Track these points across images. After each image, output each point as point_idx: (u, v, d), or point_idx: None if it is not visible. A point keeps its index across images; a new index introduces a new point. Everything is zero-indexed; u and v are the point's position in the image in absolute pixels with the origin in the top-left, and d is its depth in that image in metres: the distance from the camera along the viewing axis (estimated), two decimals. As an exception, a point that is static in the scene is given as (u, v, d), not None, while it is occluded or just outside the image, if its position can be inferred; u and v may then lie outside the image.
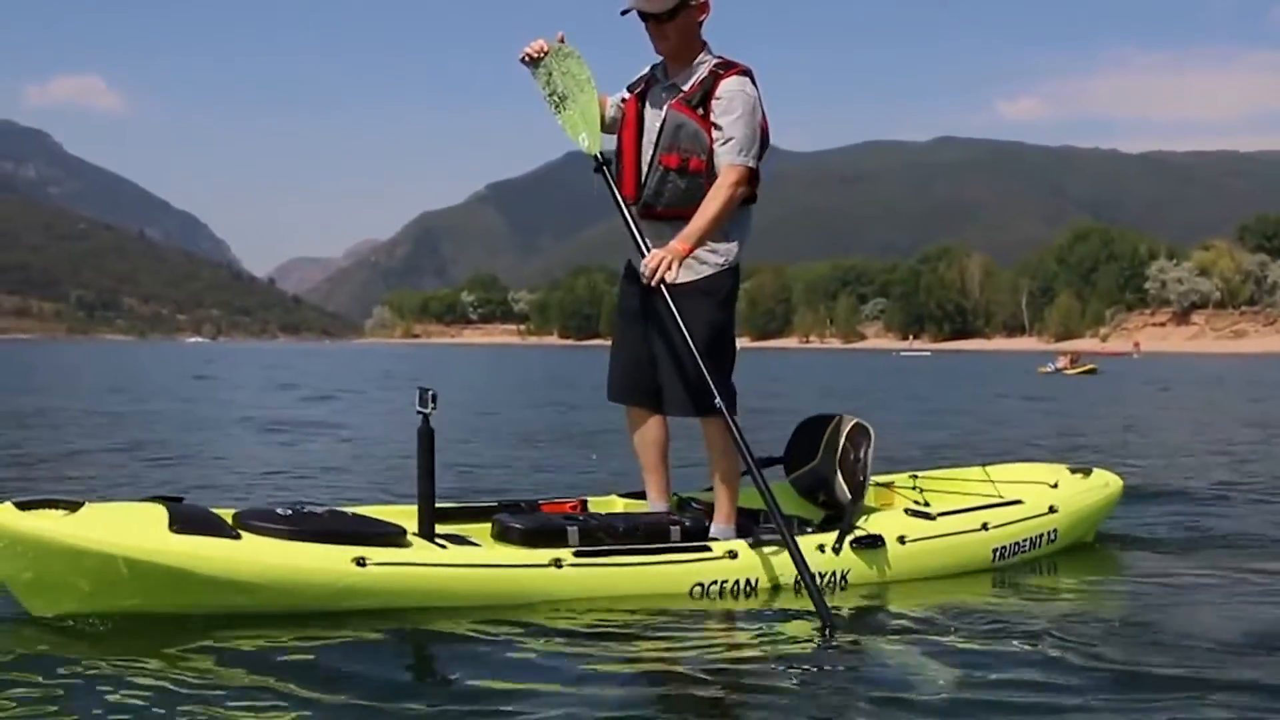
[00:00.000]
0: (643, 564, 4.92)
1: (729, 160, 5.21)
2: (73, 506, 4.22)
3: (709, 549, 5.06)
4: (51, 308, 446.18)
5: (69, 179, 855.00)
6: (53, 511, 4.17)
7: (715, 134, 5.25)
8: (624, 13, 5.33)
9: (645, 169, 5.39)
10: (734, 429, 5.07)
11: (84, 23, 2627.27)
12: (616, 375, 5.66)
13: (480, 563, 4.75)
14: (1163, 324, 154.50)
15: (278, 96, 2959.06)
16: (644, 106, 5.47)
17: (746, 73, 5.35)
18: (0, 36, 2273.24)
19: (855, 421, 5.97)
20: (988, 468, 6.94)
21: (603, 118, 5.56)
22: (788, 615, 4.77)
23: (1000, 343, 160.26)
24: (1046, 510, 6.23)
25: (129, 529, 4.24)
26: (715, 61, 5.36)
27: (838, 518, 5.63)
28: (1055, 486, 6.52)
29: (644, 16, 5.32)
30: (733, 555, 5.04)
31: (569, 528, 5.11)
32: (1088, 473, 6.81)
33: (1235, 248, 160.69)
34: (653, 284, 5.12)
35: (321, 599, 4.44)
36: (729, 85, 5.27)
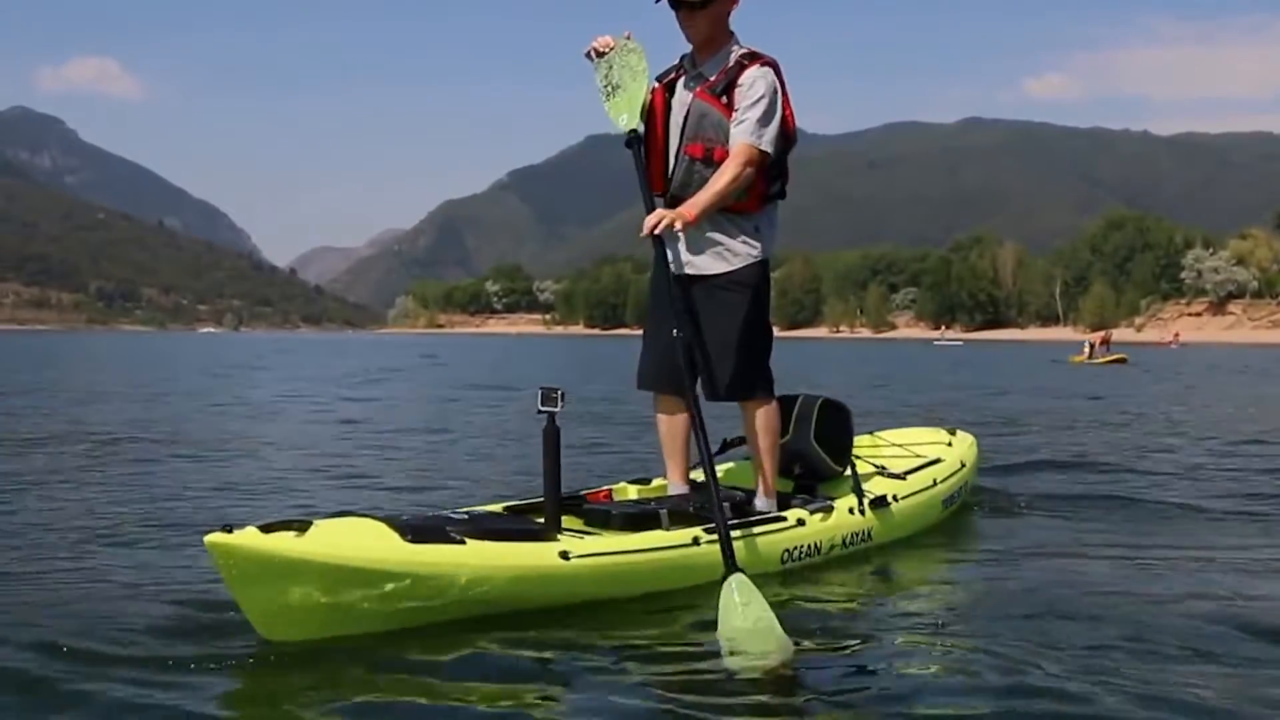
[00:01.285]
0: (747, 537, 5.28)
1: (741, 139, 5.35)
2: (301, 527, 4.16)
3: (785, 519, 5.56)
4: (71, 299, 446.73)
5: (85, 167, 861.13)
6: (286, 533, 4.10)
7: (733, 116, 5.43)
8: (658, 1, 5.52)
9: (672, 159, 5.59)
10: (697, 415, 5.26)
11: (98, 2, 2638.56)
12: (649, 364, 5.88)
13: (656, 546, 4.99)
14: (1199, 314, 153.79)
15: (298, 82, 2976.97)
16: (670, 96, 5.63)
17: (771, 64, 5.52)
18: (10, 16, 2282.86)
19: (823, 399, 6.52)
20: (877, 433, 7.67)
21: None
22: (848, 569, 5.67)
23: (1034, 332, 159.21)
24: (960, 465, 7.19)
25: (371, 543, 4.25)
26: (742, 52, 5.53)
27: (809, 489, 6.28)
28: (950, 445, 7.60)
29: (676, 5, 5.50)
30: (801, 523, 5.59)
31: (660, 511, 5.42)
32: (953, 432, 7.92)
33: (1273, 236, 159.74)
34: (643, 234, 5.31)
35: (536, 595, 4.61)
36: (751, 73, 5.44)
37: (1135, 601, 4.93)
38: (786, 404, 6.36)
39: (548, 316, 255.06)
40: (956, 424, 8.87)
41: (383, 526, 4.29)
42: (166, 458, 10.14)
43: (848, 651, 4.23)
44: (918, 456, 7.08)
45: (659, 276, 5.67)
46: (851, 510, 5.92)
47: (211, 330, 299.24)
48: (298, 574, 4.02)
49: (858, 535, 5.89)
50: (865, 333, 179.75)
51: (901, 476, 6.57)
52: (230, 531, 3.96)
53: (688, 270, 5.66)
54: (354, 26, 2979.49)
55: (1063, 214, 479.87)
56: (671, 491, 5.94)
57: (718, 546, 4.79)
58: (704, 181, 5.43)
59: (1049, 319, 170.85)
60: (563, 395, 5.05)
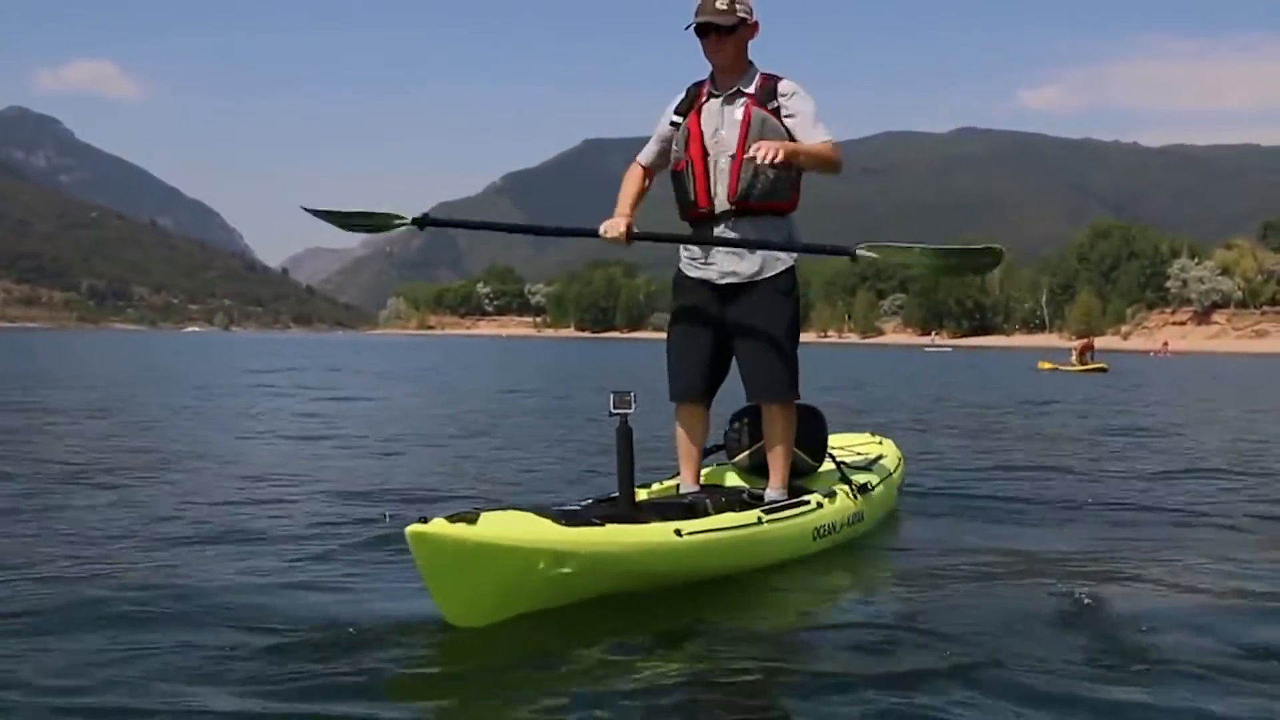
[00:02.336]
0: (788, 518, 5.78)
1: (824, 138, 5.90)
2: (471, 518, 4.36)
3: (809, 503, 6.04)
4: (62, 296, 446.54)
5: (80, 167, 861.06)
6: (462, 523, 4.31)
7: (789, 121, 5.88)
8: (688, 27, 5.87)
9: (725, 172, 5.89)
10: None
11: (96, 6, 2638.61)
12: (681, 377, 6.21)
13: (741, 524, 5.45)
14: (1183, 323, 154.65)
15: (291, 85, 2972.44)
16: (702, 117, 5.98)
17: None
18: (10, 19, 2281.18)
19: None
20: None
21: (645, 190, 6.39)
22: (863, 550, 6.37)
23: (1020, 339, 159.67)
24: (899, 462, 7.95)
25: (539, 529, 4.56)
26: (763, 72, 6.00)
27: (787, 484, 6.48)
28: (882, 444, 8.22)
29: (707, 30, 5.84)
30: (820, 505, 6.08)
31: (706, 501, 5.84)
32: (880, 440, 8.43)
33: (1258, 247, 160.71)
34: (761, 159, 5.60)
35: (660, 570, 5.03)
36: (788, 84, 5.94)
37: (1015, 599, 5.13)
38: (757, 411, 6.63)
39: (538, 319, 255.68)
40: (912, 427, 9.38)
41: (532, 515, 4.62)
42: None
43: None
44: (863, 455, 7.65)
45: (688, 292, 6.19)
46: (848, 495, 6.46)
47: (196, 329, 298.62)
48: (489, 559, 4.32)
49: (856, 516, 6.45)
50: (853, 338, 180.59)
51: (869, 468, 7.24)
52: (426, 522, 4.25)
53: (729, 280, 6.05)
54: (349, 29, 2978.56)
55: (1053, 223, 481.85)
56: (684, 490, 6.27)
57: (780, 524, 5.61)
58: (768, 182, 5.85)
59: (1035, 326, 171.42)
60: (635, 398, 5.30)
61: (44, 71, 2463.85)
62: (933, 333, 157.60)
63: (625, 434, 5.34)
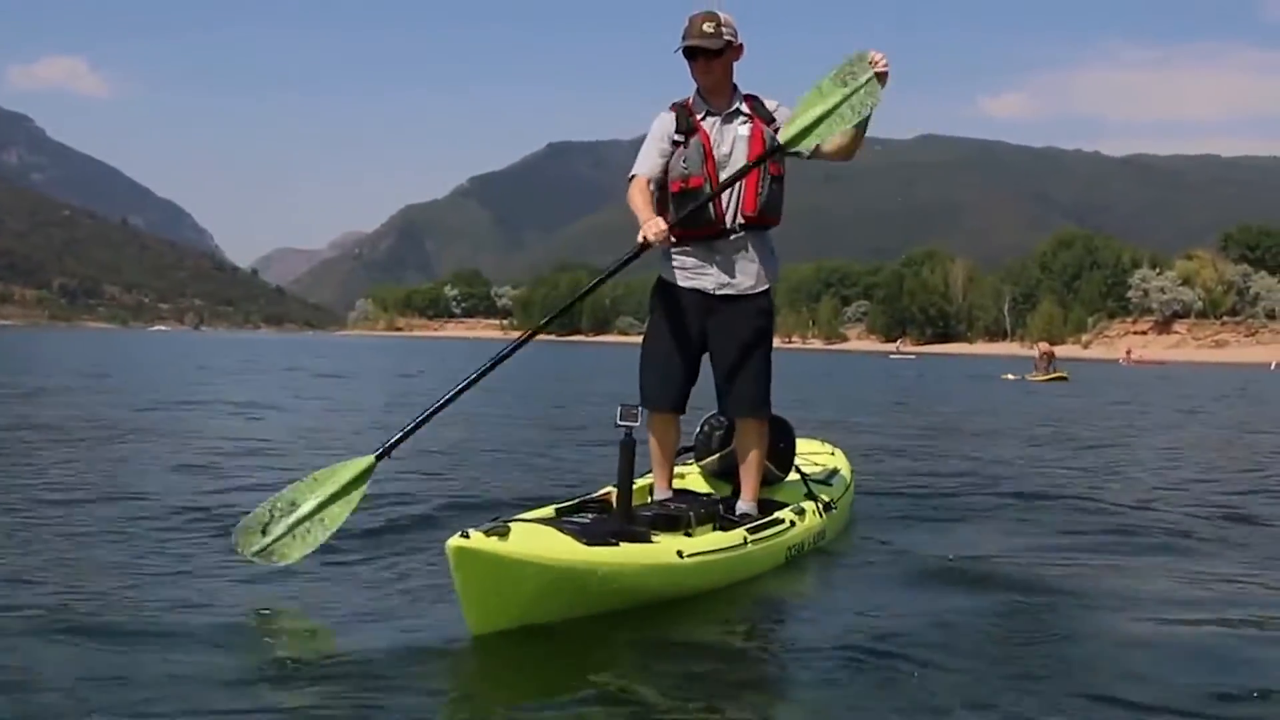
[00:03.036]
0: (768, 538, 5.89)
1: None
2: (503, 532, 4.52)
3: (783, 520, 6.15)
4: (34, 294, 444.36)
5: (52, 165, 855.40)
6: (493, 537, 4.46)
7: (782, 112, 6.23)
8: (678, 50, 6.07)
9: (740, 188, 6.08)
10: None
11: (67, 3, 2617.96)
12: (657, 385, 6.28)
13: (728, 545, 5.60)
14: (1144, 332, 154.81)
15: (262, 86, 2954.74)
16: (711, 137, 6.16)
17: None
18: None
19: None
20: None
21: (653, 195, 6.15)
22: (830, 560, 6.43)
23: (982, 347, 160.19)
24: (851, 469, 8.01)
25: (564, 546, 4.75)
26: (745, 93, 6.26)
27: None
28: (833, 455, 8.24)
29: (695, 53, 6.06)
30: (793, 524, 6.18)
31: (690, 514, 5.93)
32: (823, 443, 8.56)
33: (1218, 258, 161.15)
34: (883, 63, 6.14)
35: (663, 589, 5.19)
36: (774, 103, 6.26)
37: (958, 602, 5.35)
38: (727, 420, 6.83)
39: (505, 322, 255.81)
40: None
41: (554, 531, 4.86)
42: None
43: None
44: (819, 466, 7.75)
45: (669, 302, 6.29)
46: (816, 513, 6.57)
47: (163, 329, 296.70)
48: (525, 575, 4.51)
49: (820, 534, 6.58)
50: (817, 344, 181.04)
51: (829, 482, 7.33)
52: (468, 537, 4.40)
53: (726, 291, 6.21)
54: (320, 33, 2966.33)
55: (1015, 231, 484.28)
56: (658, 497, 6.42)
57: (761, 545, 5.76)
58: (776, 195, 6.16)
59: (997, 334, 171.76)
60: (640, 411, 5.45)
61: (15, 68, 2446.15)
62: (898, 340, 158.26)
63: (628, 446, 5.39)
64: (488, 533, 4.45)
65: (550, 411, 19.35)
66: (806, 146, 6.16)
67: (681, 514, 5.93)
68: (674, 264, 6.27)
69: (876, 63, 6.17)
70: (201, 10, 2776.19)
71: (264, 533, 5.50)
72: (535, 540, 4.65)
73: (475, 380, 5.83)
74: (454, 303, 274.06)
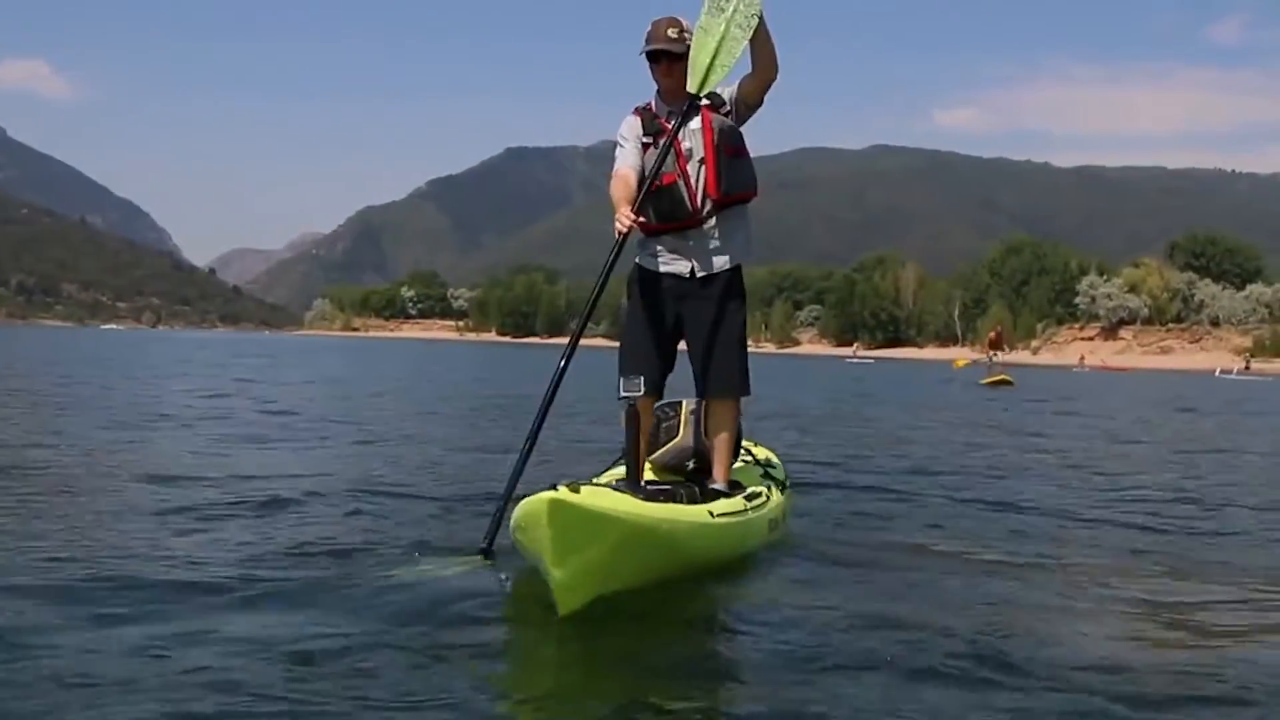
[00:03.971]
0: (752, 510, 5.90)
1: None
2: (575, 487, 4.40)
3: (762, 494, 6.24)
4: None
5: (11, 164, 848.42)
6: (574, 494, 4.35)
7: (728, 102, 6.32)
8: (642, 53, 6.25)
9: (712, 167, 6.21)
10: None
11: (30, 6, 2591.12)
12: (646, 373, 6.12)
13: (739, 510, 5.70)
14: (1091, 338, 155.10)
15: (222, 86, 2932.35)
16: (679, 135, 6.23)
17: None
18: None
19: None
20: None
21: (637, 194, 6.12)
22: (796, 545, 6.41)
23: (932, 352, 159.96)
24: (780, 459, 7.79)
25: (636, 504, 4.73)
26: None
27: (697, 481, 6.54)
28: (757, 446, 7.89)
29: (660, 56, 6.22)
30: (767, 499, 6.23)
31: (681, 492, 6.04)
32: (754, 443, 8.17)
33: (1165, 265, 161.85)
34: None
35: (702, 552, 5.26)
36: (727, 89, 6.32)
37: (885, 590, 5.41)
38: (673, 408, 6.84)
39: (461, 323, 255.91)
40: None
41: (613, 491, 4.82)
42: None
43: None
44: (753, 456, 7.49)
45: (653, 282, 6.36)
46: (779, 490, 6.63)
47: (115, 327, 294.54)
48: (613, 529, 4.38)
49: (786, 512, 6.66)
50: (770, 347, 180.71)
51: (776, 466, 7.36)
52: (556, 490, 4.28)
53: (704, 273, 6.32)
54: (280, 37, 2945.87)
55: (965, 238, 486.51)
56: (619, 484, 5.96)
57: (760, 513, 5.86)
58: (738, 173, 6.26)
59: (947, 339, 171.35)
60: (641, 381, 5.69)
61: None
62: (855, 344, 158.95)
63: (634, 416, 5.45)
64: (571, 488, 4.37)
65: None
66: (715, 85, 6.23)
67: (676, 492, 6.00)
68: (650, 252, 6.41)
69: None
70: (163, 13, 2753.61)
71: None
72: (610, 498, 4.59)
73: (546, 410, 5.70)
74: (411, 304, 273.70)
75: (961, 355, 47.01)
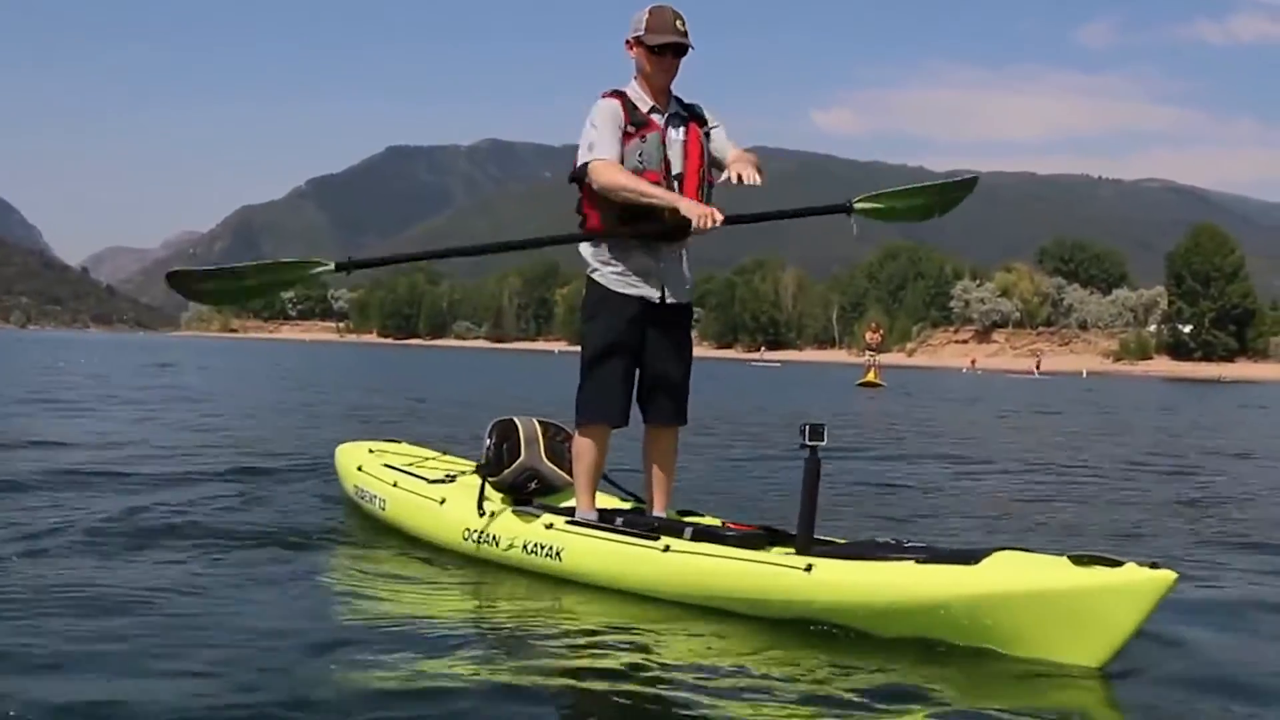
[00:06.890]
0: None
1: (737, 149, 6.27)
2: (1116, 563, 4.42)
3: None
4: None
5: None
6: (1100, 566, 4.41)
7: (715, 140, 6.21)
8: (657, 46, 5.92)
9: (695, 189, 6.02)
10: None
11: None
12: (609, 399, 6.00)
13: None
14: (965, 341, 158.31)
15: (95, 79, 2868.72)
16: (666, 136, 6.00)
17: None
18: None
19: (538, 420, 6.82)
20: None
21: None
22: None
23: (811, 354, 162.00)
24: None
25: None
26: (676, 95, 6.16)
27: (527, 501, 6.49)
28: None
29: (667, 49, 5.92)
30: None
31: (686, 529, 5.74)
32: None
33: (1035, 270, 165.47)
34: (748, 180, 5.93)
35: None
36: (704, 109, 6.22)
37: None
38: (509, 427, 6.63)
39: (341, 325, 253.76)
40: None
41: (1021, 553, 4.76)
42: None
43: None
44: None
45: (622, 305, 5.98)
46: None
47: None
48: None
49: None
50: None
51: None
52: (1156, 567, 4.32)
53: (679, 300, 6.18)
54: (153, 37, 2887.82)
55: (842, 243, 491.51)
56: (582, 515, 6.03)
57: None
58: (713, 196, 6.07)
59: (826, 342, 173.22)
60: (824, 431, 5.21)
61: None
62: (761, 348, 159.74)
63: (814, 467, 5.30)
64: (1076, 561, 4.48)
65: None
66: (870, 213, 6.91)
67: (664, 526, 5.87)
68: (613, 269, 6.03)
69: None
70: (36, 6, 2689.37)
71: (201, 278, 6.22)
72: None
73: (472, 252, 6.44)
74: (290, 305, 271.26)
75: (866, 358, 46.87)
